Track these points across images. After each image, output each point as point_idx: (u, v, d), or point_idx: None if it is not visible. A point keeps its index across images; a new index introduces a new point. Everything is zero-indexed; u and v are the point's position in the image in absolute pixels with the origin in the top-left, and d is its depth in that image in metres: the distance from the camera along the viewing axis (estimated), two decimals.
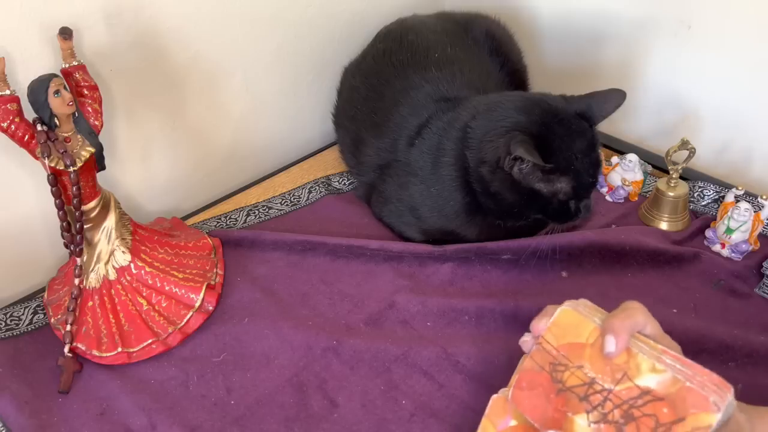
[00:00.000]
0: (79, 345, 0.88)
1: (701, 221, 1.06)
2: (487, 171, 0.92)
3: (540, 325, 0.69)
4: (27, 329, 0.93)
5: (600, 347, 0.64)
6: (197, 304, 0.92)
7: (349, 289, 0.98)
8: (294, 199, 1.17)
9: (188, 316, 0.91)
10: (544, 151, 0.87)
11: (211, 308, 0.94)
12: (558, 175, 0.89)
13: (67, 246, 0.89)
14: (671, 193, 1.06)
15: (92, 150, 0.84)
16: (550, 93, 0.96)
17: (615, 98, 0.92)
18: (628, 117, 1.31)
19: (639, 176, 1.13)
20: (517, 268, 1.00)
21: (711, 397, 0.58)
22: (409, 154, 1.02)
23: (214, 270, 0.98)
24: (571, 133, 0.90)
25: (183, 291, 0.92)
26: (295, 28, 1.19)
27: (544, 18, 1.38)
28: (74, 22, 0.85)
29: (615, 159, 1.16)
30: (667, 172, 1.08)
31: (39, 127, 0.80)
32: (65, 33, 0.80)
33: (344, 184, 1.21)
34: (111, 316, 0.89)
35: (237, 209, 1.14)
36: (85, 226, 0.87)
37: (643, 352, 0.63)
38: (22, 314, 0.95)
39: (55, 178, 0.83)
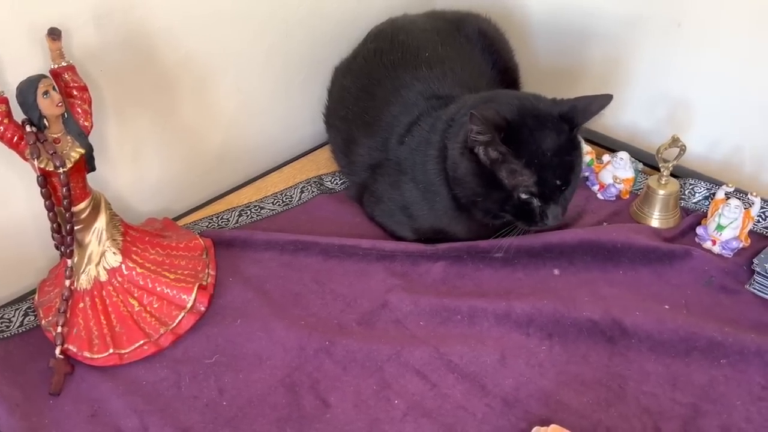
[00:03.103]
0: (71, 347, 0.87)
1: (692, 218, 1.07)
2: (457, 152, 0.92)
3: None
4: (18, 331, 0.92)
5: None
6: (189, 305, 0.92)
7: (341, 288, 0.98)
8: (286, 198, 1.17)
9: (180, 317, 0.91)
10: (511, 140, 0.87)
11: (203, 309, 0.93)
12: (521, 167, 0.89)
13: (57, 247, 0.88)
14: (662, 191, 1.06)
15: (82, 151, 0.83)
16: (541, 94, 0.96)
17: (600, 100, 0.92)
18: (619, 115, 1.32)
19: (630, 174, 1.13)
20: (509, 266, 1.00)
21: None
22: (399, 153, 1.02)
23: (206, 270, 0.98)
24: (543, 130, 0.90)
25: (174, 292, 0.92)
26: (287, 27, 1.19)
27: (535, 16, 1.38)
28: (63, 22, 0.85)
29: (606, 157, 1.16)
30: (658, 169, 1.08)
31: (28, 129, 0.80)
32: (54, 33, 0.80)
33: (336, 183, 1.21)
34: (102, 318, 0.89)
35: (229, 209, 1.14)
36: (75, 228, 0.87)
37: None
38: (13, 316, 0.94)
39: (45, 180, 0.83)
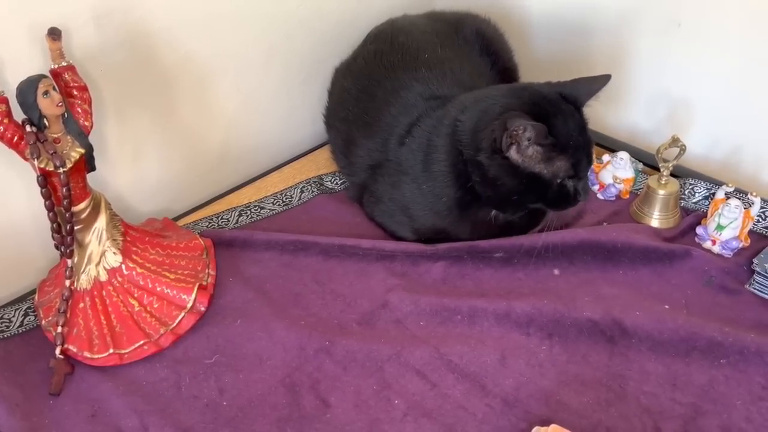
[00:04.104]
0: (71, 347, 0.87)
1: (692, 218, 1.07)
2: (484, 158, 0.92)
3: None
4: (18, 331, 0.92)
5: None
6: (189, 305, 0.92)
7: (341, 288, 0.98)
8: (286, 198, 1.17)
9: (180, 317, 0.91)
10: None
11: (203, 309, 0.93)
12: (557, 153, 0.90)
13: (57, 247, 0.88)
14: (662, 191, 1.06)
15: (82, 151, 0.83)
16: (532, 81, 0.98)
17: (599, 80, 0.94)
18: (619, 115, 1.32)
19: (630, 174, 1.13)
20: (509, 266, 1.00)
21: None
22: (399, 153, 1.02)
23: (206, 270, 0.98)
24: (562, 113, 0.91)
25: (175, 292, 0.92)
26: (287, 28, 1.19)
27: (534, 16, 1.38)
28: (63, 22, 0.85)
29: (606, 157, 1.16)
30: (658, 169, 1.08)
31: (28, 128, 0.80)
32: (54, 33, 0.80)
33: (336, 183, 1.21)
34: (102, 318, 0.88)
35: (229, 209, 1.14)
36: (75, 228, 0.87)
37: None
38: (13, 316, 0.94)
39: (45, 180, 0.83)
